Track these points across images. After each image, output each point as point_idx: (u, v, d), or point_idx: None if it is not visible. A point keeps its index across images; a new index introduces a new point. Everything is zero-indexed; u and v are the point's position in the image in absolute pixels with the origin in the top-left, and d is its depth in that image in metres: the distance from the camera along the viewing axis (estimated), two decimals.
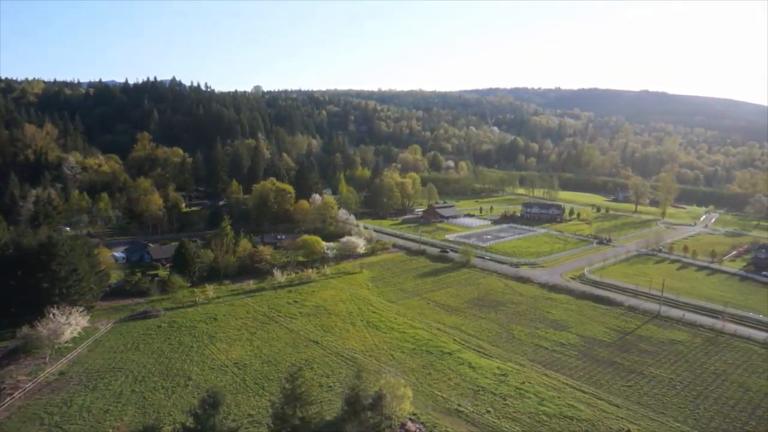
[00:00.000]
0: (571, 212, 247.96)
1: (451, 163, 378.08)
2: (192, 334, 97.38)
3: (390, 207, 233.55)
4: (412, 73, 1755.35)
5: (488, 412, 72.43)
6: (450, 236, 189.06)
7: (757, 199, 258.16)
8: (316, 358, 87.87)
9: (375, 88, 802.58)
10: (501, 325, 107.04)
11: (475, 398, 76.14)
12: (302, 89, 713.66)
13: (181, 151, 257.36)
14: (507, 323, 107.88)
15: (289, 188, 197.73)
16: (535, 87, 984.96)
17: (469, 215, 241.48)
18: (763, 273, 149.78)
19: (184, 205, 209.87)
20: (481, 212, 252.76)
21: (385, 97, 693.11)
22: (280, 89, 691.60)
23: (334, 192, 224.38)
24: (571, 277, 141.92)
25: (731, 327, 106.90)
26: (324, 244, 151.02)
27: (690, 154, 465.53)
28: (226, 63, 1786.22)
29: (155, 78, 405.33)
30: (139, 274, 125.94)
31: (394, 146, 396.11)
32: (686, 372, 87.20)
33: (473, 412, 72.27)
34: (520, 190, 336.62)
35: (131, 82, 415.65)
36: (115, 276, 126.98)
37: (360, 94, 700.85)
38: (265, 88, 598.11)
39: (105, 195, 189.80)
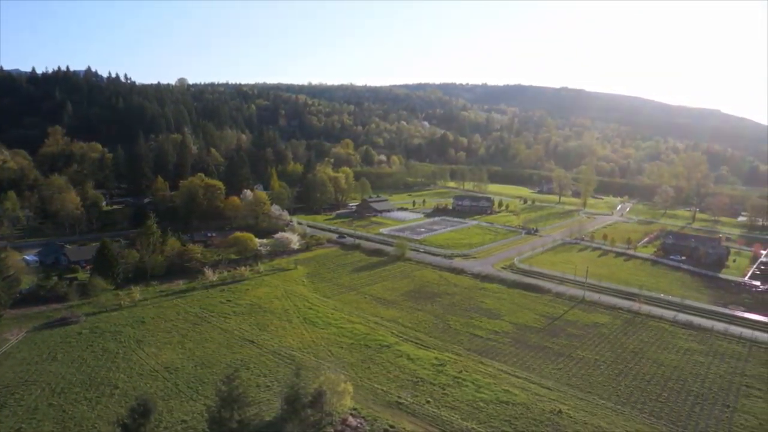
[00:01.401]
0: (500, 204, 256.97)
1: (383, 158, 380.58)
2: (117, 340, 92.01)
3: (323, 202, 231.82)
4: (342, 67, 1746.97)
5: (428, 402, 73.61)
6: (384, 230, 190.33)
7: (663, 189, 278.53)
8: (253, 358, 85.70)
9: (305, 82, 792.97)
10: (437, 316, 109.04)
11: (415, 389, 77.16)
12: (230, 82, 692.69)
13: (99, 147, 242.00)
14: (443, 314, 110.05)
15: (219, 184, 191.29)
16: (464, 83, 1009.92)
17: (402, 209, 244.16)
18: (671, 257, 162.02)
19: (104, 203, 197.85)
20: (414, 206, 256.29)
21: (315, 92, 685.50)
22: (207, 82, 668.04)
23: (266, 188, 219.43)
24: (503, 267, 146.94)
25: (646, 308, 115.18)
26: (257, 240, 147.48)
27: (606, 147, 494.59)
28: (148, 54, 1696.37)
29: (67, 68, 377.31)
30: (55, 278, 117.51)
31: (326, 141, 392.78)
32: (609, 352, 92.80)
33: (413, 403, 73.21)
34: (451, 184, 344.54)
35: (39, 71, 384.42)
36: (27, 281, 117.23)
37: (290, 88, 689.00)
38: (191, 81, 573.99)
39: (12, 194, 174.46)
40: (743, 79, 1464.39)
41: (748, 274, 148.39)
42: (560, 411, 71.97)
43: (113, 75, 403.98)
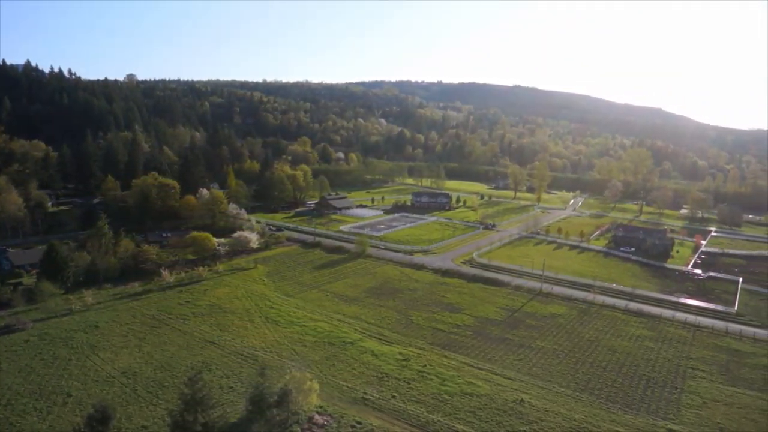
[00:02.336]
0: (458, 200, 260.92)
1: (341, 155, 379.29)
2: (69, 346, 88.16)
3: (282, 200, 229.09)
4: (298, 64, 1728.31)
5: (394, 397, 74.19)
6: (344, 227, 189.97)
7: (612, 184, 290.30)
8: (214, 359, 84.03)
9: (260, 79, 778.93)
10: (399, 311, 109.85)
11: (380, 385, 77.62)
12: (181, 79, 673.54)
13: (43, 145, 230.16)
14: (405, 309, 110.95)
15: (174, 183, 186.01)
16: (419, 80, 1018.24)
17: (361, 206, 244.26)
18: (621, 249, 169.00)
19: (50, 204, 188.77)
20: (373, 203, 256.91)
21: (270, 89, 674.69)
22: (157, 78, 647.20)
23: (222, 186, 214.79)
24: (462, 262, 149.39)
25: (600, 298, 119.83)
26: (215, 240, 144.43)
27: (558, 144, 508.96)
28: (93, 49, 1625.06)
29: (3, 61, 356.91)
30: None
31: (282, 139, 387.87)
32: (566, 342, 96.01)
33: (379, 398, 73.63)
34: (409, 180, 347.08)
35: None
36: None
37: (244, 85, 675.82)
38: (140, 77, 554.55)
39: None
40: (682, 79, 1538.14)
41: (691, 263, 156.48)
42: (522, 400, 74.04)
43: (56, 70, 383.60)
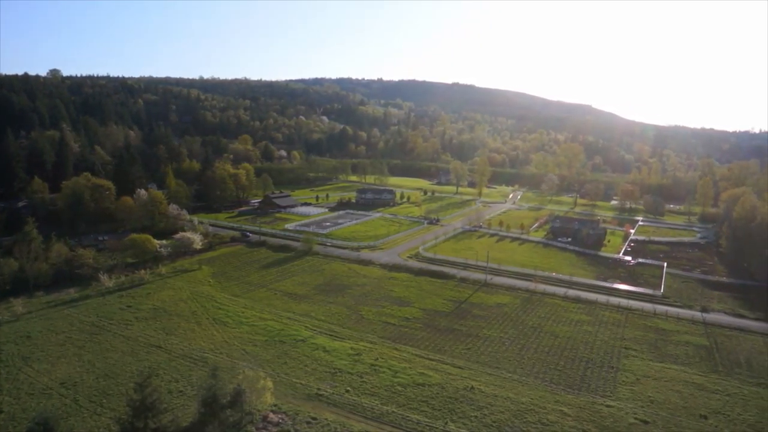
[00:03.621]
0: (402, 196, 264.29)
1: (283, 153, 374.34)
2: None
3: (225, 199, 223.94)
4: (236, 62, 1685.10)
5: (347, 391, 74.91)
6: (289, 225, 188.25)
7: (549, 178, 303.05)
8: (161, 364, 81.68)
9: (196, 76, 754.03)
10: (349, 307, 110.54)
11: (334, 380, 78.16)
12: (111, 75, 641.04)
13: None
14: (355, 305, 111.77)
15: (108, 184, 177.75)
16: (360, 77, 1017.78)
17: (306, 204, 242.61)
18: (559, 239, 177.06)
19: None
20: (317, 200, 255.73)
21: (208, 86, 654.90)
22: (85, 74, 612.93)
23: (161, 187, 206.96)
24: (409, 256, 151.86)
25: (541, 287, 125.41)
26: (156, 242, 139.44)
27: (496, 140, 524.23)
28: (11, 43, 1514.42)
29: None
30: None
31: (223, 137, 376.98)
32: (512, 330, 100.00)
33: (333, 393, 74.18)
34: (353, 177, 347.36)
35: None
36: None
37: (180, 82, 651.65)
38: (65, 73, 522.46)
39: None
40: (611, 77, 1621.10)
41: (622, 251, 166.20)
42: (473, 387, 76.73)
43: None
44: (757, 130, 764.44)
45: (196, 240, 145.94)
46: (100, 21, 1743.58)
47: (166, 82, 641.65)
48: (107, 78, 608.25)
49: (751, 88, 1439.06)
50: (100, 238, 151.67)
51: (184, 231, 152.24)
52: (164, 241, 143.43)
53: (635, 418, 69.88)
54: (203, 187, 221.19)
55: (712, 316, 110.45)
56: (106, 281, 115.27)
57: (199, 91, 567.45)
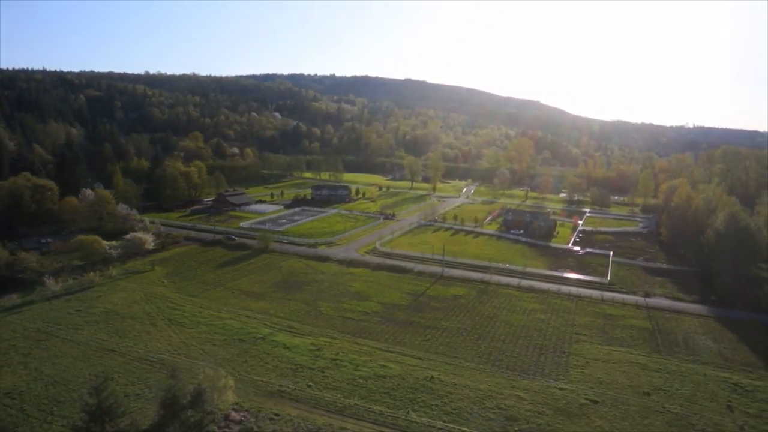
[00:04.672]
0: (357, 192, 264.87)
1: (236, 150, 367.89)
2: None
3: (176, 198, 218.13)
4: (183, 56, 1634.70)
5: (309, 386, 75.19)
6: (244, 223, 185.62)
7: (501, 172, 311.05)
8: (116, 368, 79.30)
9: (141, 71, 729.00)
10: (308, 303, 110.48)
11: (295, 376, 78.20)
12: (48, 69, 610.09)
13: None
14: (313, 301, 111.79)
15: (50, 184, 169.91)
16: (312, 73, 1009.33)
17: (261, 201, 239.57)
18: (512, 232, 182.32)
19: None
20: (272, 198, 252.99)
21: (155, 82, 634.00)
22: (18, 68, 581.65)
23: (108, 186, 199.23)
24: (366, 252, 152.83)
25: (496, 278, 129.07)
26: (105, 243, 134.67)
27: (449, 135, 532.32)
28: None
29: None
30: None
31: (172, 134, 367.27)
32: (468, 320, 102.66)
33: (295, 389, 74.28)
34: (308, 174, 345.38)
35: None
36: None
37: (125, 77, 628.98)
38: None
39: None
40: (558, 74, 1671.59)
41: (571, 242, 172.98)
42: (432, 377, 78.53)
43: None
44: (690, 125, 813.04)
45: (148, 240, 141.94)
46: (33, 13, 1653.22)
47: (110, 77, 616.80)
48: (44, 72, 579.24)
49: (686, 85, 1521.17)
50: (44, 241, 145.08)
51: (134, 231, 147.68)
52: (114, 242, 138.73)
53: (586, 399, 73.54)
54: (153, 186, 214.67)
55: (653, 301, 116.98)
56: (52, 285, 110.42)
57: (146, 86, 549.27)
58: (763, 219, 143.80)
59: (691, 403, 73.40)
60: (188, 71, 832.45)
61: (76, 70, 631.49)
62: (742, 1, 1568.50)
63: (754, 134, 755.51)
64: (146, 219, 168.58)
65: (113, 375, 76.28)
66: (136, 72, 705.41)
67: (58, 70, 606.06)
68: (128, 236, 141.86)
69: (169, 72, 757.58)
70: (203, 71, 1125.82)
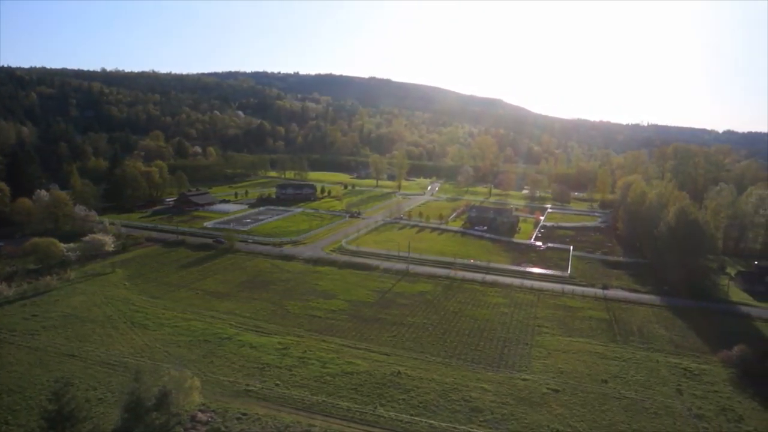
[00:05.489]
0: (323, 190, 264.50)
1: (198, 149, 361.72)
2: None
3: (137, 199, 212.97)
4: (142, 54, 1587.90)
5: (277, 385, 75.27)
6: (208, 223, 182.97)
7: (465, 169, 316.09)
8: (76, 373, 77.27)
9: (98, 68, 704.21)
10: (274, 302, 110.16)
11: (262, 375, 78.10)
12: None
13: None
14: (280, 300, 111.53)
15: (1, 185, 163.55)
16: (276, 71, 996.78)
17: (225, 201, 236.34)
18: (476, 228, 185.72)
19: None
20: (236, 197, 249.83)
21: (112, 79, 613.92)
22: None
23: (65, 187, 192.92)
24: (332, 250, 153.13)
25: (461, 274, 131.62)
26: (62, 245, 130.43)
27: (414, 133, 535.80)
28: None
29: None
30: None
31: (132, 133, 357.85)
32: (434, 316, 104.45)
33: (262, 388, 74.25)
34: (272, 173, 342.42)
35: None
36: None
37: (79, 75, 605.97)
38: None
39: None
40: (520, 73, 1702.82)
41: (533, 237, 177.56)
42: (399, 372, 79.77)
43: None
44: (645, 124, 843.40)
45: (108, 242, 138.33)
46: None
47: (63, 74, 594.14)
48: None
49: (641, 85, 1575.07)
50: None
51: (93, 233, 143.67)
52: (72, 245, 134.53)
53: (547, 388, 76.18)
54: (113, 187, 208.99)
55: (611, 292, 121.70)
56: (6, 290, 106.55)
57: (102, 84, 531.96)
58: (710, 213, 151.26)
59: (644, 389, 77.07)
60: (147, 69, 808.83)
61: (26, 66, 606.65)
62: (690, 2, 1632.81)
63: (703, 132, 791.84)
64: (106, 220, 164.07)
65: (74, 380, 74.41)
66: (92, 69, 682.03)
67: (6, 65, 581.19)
68: (87, 238, 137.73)
69: (128, 69, 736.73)
70: (163, 69, 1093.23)
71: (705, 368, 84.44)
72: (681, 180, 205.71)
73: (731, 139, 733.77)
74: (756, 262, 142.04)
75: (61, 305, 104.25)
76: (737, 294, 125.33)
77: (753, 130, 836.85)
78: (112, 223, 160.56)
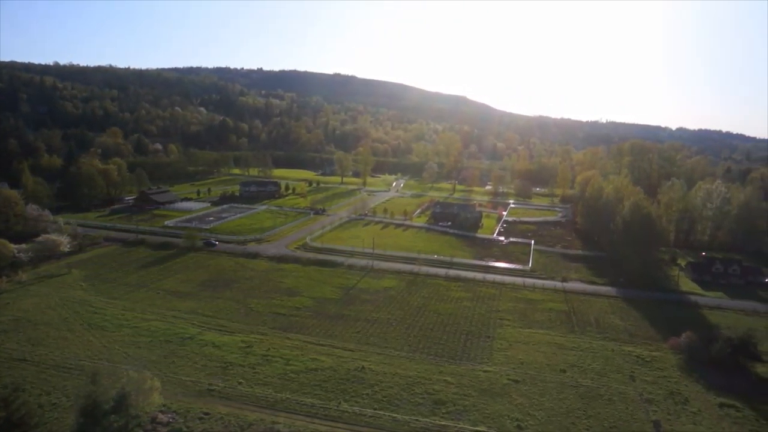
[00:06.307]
0: (287, 188, 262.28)
1: (159, 146, 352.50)
2: None
3: (94, 197, 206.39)
4: (97, 46, 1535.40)
5: (240, 383, 74.79)
6: (170, 222, 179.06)
7: (429, 166, 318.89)
8: (28, 378, 74.73)
9: (50, 62, 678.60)
10: (238, 301, 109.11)
11: (225, 374, 77.46)
12: None
13: None
14: (243, 298, 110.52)
15: None
16: (239, 67, 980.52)
17: (186, 199, 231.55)
18: (440, 224, 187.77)
19: None
20: (199, 195, 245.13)
21: (66, 74, 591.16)
22: None
23: (15, 185, 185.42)
24: (297, 247, 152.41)
25: (425, 269, 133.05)
26: (12, 246, 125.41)
27: (379, 130, 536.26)
28: None
29: None
30: None
31: (88, 130, 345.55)
32: (398, 311, 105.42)
33: (225, 387, 73.67)
34: (236, 170, 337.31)
35: None
36: None
37: (30, 68, 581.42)
38: None
39: None
40: (484, 71, 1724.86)
41: (496, 232, 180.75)
42: (363, 367, 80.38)
43: None
44: (604, 121, 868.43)
45: (63, 242, 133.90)
46: None
47: (11, 67, 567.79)
48: None
49: (599, 83, 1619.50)
50: None
51: (47, 233, 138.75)
52: (24, 245, 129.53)
53: (508, 379, 78.15)
54: (68, 185, 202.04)
55: (570, 285, 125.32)
56: None
57: (56, 78, 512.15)
58: (663, 207, 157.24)
59: (600, 376, 79.97)
60: (104, 63, 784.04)
61: None
62: (645, 2, 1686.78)
63: (658, 129, 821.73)
64: (61, 220, 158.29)
65: (25, 385, 72.16)
66: (43, 62, 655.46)
67: None
68: (40, 238, 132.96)
69: (83, 63, 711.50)
70: (121, 63, 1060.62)
71: (656, 355, 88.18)
72: (636, 175, 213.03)
73: (683, 135, 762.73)
74: (704, 253, 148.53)
75: (12, 308, 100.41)
76: (687, 284, 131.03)
77: (703, 128, 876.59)
78: (67, 223, 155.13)
